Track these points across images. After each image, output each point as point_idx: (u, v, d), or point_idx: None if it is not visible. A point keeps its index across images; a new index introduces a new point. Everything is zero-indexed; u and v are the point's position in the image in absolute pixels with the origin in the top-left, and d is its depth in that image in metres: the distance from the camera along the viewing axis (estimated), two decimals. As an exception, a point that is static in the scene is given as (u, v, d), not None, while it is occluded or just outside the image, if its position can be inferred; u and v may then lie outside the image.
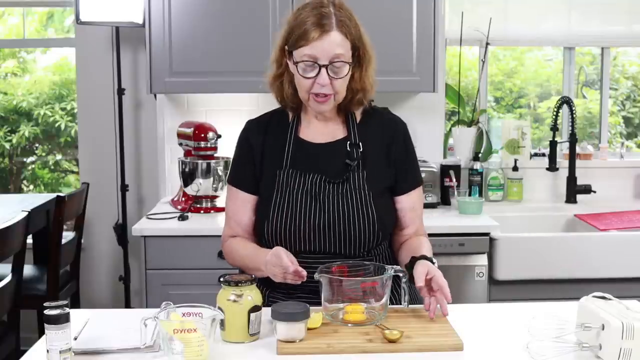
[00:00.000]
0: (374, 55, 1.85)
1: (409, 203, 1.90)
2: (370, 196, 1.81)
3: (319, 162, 1.84)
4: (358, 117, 1.90)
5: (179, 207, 3.12)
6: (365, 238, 1.80)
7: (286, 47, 1.80)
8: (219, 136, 3.12)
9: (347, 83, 1.80)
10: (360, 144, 1.85)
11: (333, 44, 1.72)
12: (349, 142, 1.85)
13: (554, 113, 3.33)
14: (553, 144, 3.32)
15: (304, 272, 1.64)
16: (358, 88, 1.83)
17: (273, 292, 1.84)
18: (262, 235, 1.84)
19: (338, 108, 1.87)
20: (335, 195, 1.80)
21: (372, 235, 1.80)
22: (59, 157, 4.39)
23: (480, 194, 3.32)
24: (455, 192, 3.18)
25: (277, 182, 1.83)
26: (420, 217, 1.94)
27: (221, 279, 1.57)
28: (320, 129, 1.88)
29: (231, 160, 1.99)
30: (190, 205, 3.07)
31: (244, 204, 1.89)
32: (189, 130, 3.12)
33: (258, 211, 1.87)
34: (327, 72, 1.74)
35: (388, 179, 1.87)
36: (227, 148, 3.19)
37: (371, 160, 1.85)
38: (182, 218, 2.93)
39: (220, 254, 2.77)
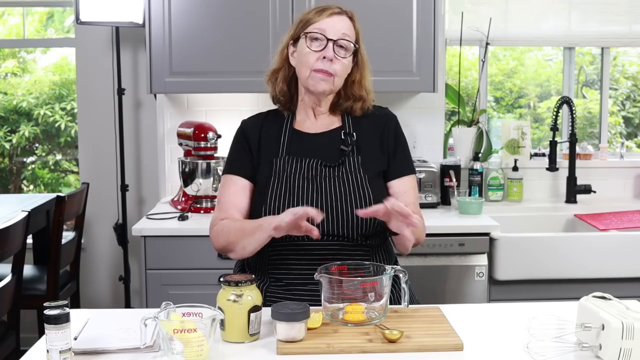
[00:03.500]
0: (369, 66, 1.96)
1: (400, 188, 1.93)
2: (365, 179, 1.86)
3: (315, 148, 1.90)
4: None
5: (179, 207, 3.13)
6: (363, 220, 1.81)
7: (291, 42, 1.90)
8: (219, 136, 3.12)
9: (348, 88, 1.90)
10: (354, 133, 1.92)
11: (342, 23, 1.86)
12: (343, 132, 1.92)
13: (554, 113, 3.33)
14: (553, 144, 3.32)
15: (316, 232, 1.64)
16: (360, 93, 1.92)
17: (270, 286, 1.86)
18: None
19: (334, 107, 1.93)
20: (332, 177, 1.85)
21: (370, 218, 1.81)
22: (59, 157, 4.39)
23: (480, 194, 3.33)
24: (455, 192, 3.18)
25: (273, 169, 1.87)
26: (414, 204, 1.94)
27: (221, 279, 1.57)
28: (315, 122, 1.95)
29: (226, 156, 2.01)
30: (190, 205, 3.07)
31: (243, 190, 1.90)
32: (189, 130, 3.12)
33: (254, 199, 1.89)
34: (333, 48, 1.83)
35: (381, 164, 1.92)
36: (227, 148, 3.19)
37: (365, 147, 1.91)
38: (182, 218, 2.93)
39: (221, 255, 2.78)
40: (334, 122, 1.95)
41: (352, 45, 1.86)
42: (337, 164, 1.86)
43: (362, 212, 1.69)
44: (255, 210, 1.87)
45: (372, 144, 1.92)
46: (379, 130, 1.94)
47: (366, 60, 1.94)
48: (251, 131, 1.95)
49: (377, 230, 1.87)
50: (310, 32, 1.84)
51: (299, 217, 1.61)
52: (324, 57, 1.82)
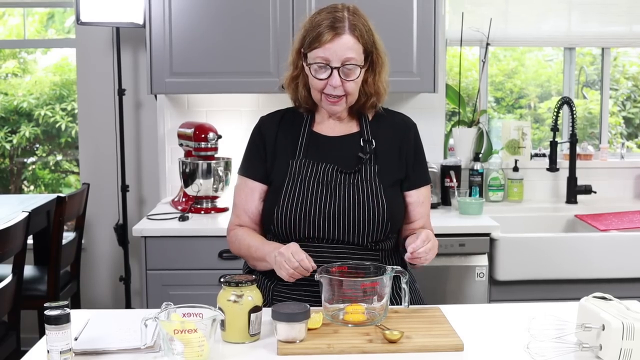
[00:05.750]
0: (387, 61, 1.90)
1: (418, 198, 1.94)
2: (380, 187, 1.84)
3: (332, 153, 1.89)
4: (370, 116, 1.95)
5: (180, 207, 3.13)
6: (375, 226, 1.81)
7: (302, 50, 1.84)
8: (220, 137, 3.12)
9: (360, 86, 1.86)
10: (373, 140, 1.90)
11: (344, 47, 1.78)
12: (362, 138, 1.90)
13: (555, 113, 3.33)
14: (553, 145, 3.32)
15: (313, 265, 1.70)
16: (372, 92, 1.89)
17: (277, 286, 1.86)
18: (270, 223, 1.86)
19: (350, 109, 1.92)
20: (347, 184, 1.84)
21: (381, 224, 1.82)
22: (59, 157, 4.39)
23: (481, 195, 3.33)
24: (456, 193, 3.18)
25: (289, 170, 1.86)
26: (428, 215, 1.99)
27: (222, 280, 1.57)
28: (333, 125, 1.93)
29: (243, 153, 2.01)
30: (191, 205, 3.07)
31: (253, 192, 1.92)
32: (190, 131, 3.12)
33: (267, 200, 1.89)
34: (338, 74, 1.79)
35: (398, 174, 1.91)
36: (227, 148, 3.20)
37: (382, 156, 1.89)
38: (183, 219, 2.93)
39: (221, 254, 2.78)
40: (352, 126, 1.93)
41: (358, 66, 1.80)
42: (353, 171, 1.85)
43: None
44: (268, 211, 1.88)
45: (391, 152, 1.91)
46: (398, 138, 1.92)
47: (382, 55, 1.87)
48: (268, 130, 1.94)
49: (388, 236, 1.87)
50: (313, 64, 1.79)
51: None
52: (331, 84, 1.80)
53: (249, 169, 1.94)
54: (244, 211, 1.93)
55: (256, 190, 1.91)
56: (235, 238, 1.92)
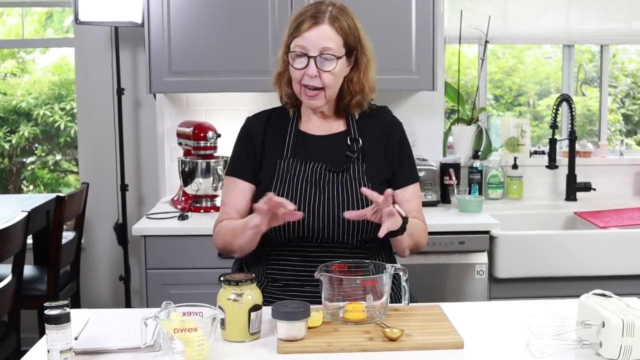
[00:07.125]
0: (374, 59, 1.89)
1: (405, 196, 1.93)
2: (368, 186, 1.83)
3: (319, 152, 1.88)
4: (356, 115, 1.94)
5: (179, 206, 3.12)
6: (363, 225, 1.81)
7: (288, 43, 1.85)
8: (219, 135, 3.12)
9: (345, 85, 1.86)
10: (360, 139, 1.89)
11: (322, 36, 1.79)
12: (349, 137, 1.90)
13: (554, 111, 3.33)
14: (553, 142, 3.32)
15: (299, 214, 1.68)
16: (357, 91, 1.88)
17: (267, 287, 1.86)
18: None
19: (337, 107, 1.91)
20: (335, 183, 1.84)
21: (370, 223, 1.80)
22: (58, 157, 4.39)
23: (480, 192, 3.33)
24: (455, 191, 3.18)
25: (277, 170, 1.86)
26: (417, 210, 1.94)
27: (221, 278, 1.57)
28: (320, 123, 1.93)
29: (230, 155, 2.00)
30: (190, 204, 3.07)
31: (242, 192, 1.90)
32: (189, 130, 3.12)
33: (256, 199, 1.86)
34: (315, 63, 1.79)
35: (385, 173, 1.90)
36: (226, 147, 3.19)
37: (370, 155, 1.89)
38: (182, 217, 2.93)
39: (221, 254, 2.78)
40: (339, 124, 1.93)
41: (336, 58, 1.79)
42: (342, 169, 1.85)
43: (348, 215, 1.70)
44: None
45: (377, 151, 1.91)
46: (384, 138, 1.92)
47: (368, 54, 1.87)
48: (256, 130, 1.94)
49: (376, 235, 1.86)
50: (291, 51, 1.80)
51: (272, 206, 1.63)
52: (307, 74, 1.79)
53: (239, 169, 1.92)
54: (236, 211, 1.89)
55: (248, 190, 1.90)
56: (219, 229, 1.88)
